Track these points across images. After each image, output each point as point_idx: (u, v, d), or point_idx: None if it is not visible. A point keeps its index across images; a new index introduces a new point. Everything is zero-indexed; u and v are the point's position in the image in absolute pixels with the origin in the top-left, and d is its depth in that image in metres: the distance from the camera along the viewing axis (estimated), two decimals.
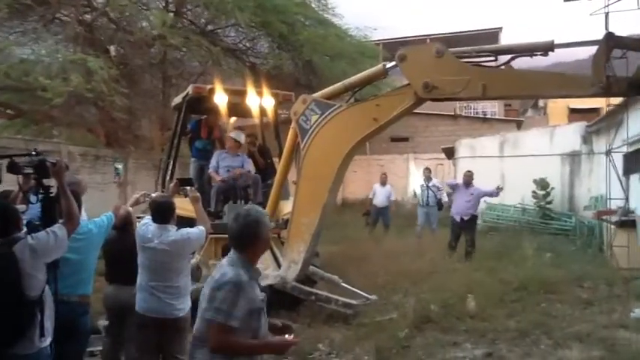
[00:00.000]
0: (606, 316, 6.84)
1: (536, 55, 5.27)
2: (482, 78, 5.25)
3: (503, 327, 6.53)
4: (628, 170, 10.63)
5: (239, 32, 17.87)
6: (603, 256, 10.65)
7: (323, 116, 6.04)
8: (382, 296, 7.40)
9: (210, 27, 17.41)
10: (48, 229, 3.16)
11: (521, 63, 5.54)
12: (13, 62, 11.86)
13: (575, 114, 28.19)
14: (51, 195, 3.45)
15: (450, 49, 5.43)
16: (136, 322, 4.19)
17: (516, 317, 6.90)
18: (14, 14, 13.67)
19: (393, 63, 5.73)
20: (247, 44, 18.61)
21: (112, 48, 14.98)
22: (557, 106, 29.30)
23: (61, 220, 3.34)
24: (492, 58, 5.44)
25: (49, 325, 3.14)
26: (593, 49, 4.89)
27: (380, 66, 6.01)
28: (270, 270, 6.66)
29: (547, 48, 5.10)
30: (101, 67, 11.97)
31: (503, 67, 5.47)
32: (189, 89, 7.43)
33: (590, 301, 7.63)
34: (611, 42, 4.71)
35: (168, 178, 7.71)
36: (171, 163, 7.67)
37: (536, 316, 6.95)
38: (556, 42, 5.12)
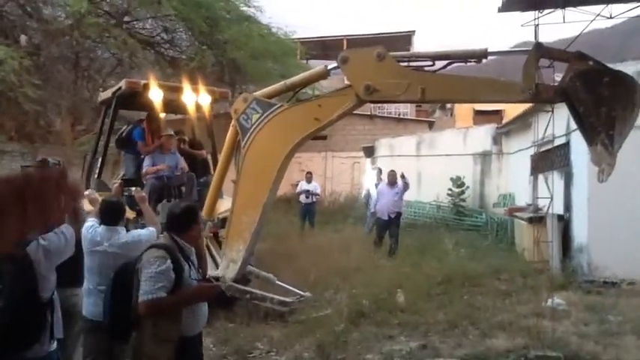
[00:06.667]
0: (524, 306, 7.33)
1: (470, 61, 5.56)
2: (422, 82, 5.41)
3: (434, 319, 6.84)
4: (535, 170, 11.41)
5: (157, 24, 17.31)
6: (514, 250, 11.40)
7: (264, 115, 6.00)
8: (315, 293, 7.49)
9: (126, 18, 16.74)
10: (56, 230, 3.02)
11: (453, 68, 5.84)
12: None
13: (479, 115, 29.81)
14: None
15: (391, 53, 5.59)
16: (85, 328, 4.01)
17: (444, 309, 7.26)
18: None
19: (335, 64, 5.82)
20: (165, 36, 18.04)
21: (22, 37, 13.97)
22: (463, 108, 30.79)
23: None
24: (430, 63, 5.66)
25: (57, 328, 3.06)
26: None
27: (322, 67, 6.07)
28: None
29: (482, 55, 5.40)
30: (12, 56, 11.18)
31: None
32: (123, 84, 7.08)
33: (508, 293, 8.16)
34: (539, 52, 5.07)
35: (95, 177, 7.36)
36: (100, 160, 7.29)
37: (462, 307, 7.35)
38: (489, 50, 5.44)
